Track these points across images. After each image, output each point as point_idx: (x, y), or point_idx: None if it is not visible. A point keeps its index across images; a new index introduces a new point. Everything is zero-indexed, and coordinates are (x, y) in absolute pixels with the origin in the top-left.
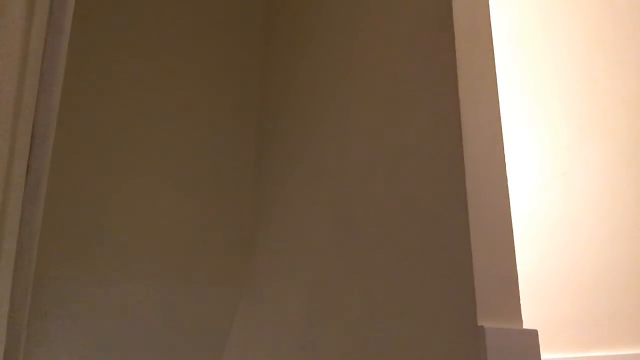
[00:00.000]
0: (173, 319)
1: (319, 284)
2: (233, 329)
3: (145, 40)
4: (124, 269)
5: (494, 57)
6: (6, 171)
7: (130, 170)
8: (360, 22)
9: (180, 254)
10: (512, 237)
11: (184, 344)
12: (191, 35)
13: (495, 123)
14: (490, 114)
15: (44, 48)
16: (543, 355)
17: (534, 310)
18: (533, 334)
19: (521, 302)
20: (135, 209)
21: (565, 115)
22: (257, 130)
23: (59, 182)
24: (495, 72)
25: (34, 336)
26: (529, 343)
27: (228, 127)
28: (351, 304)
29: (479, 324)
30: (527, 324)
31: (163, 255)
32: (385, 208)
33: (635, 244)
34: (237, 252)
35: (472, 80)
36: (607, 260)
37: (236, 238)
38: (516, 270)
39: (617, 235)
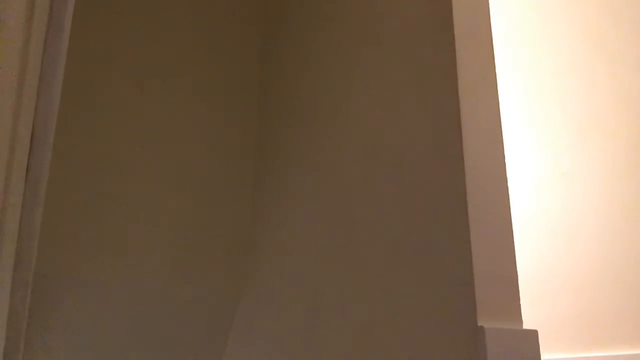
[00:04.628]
0: (173, 319)
1: (319, 283)
2: (233, 328)
3: (145, 40)
4: (123, 269)
5: (494, 57)
6: (6, 171)
7: (130, 170)
8: (360, 23)
9: (180, 254)
10: (512, 237)
11: (185, 344)
12: (191, 35)
13: (495, 123)
14: (490, 114)
15: (44, 48)
16: (543, 355)
17: (534, 310)
18: (533, 334)
19: (521, 302)
20: (135, 209)
21: (565, 116)
22: (257, 129)
23: (59, 182)
24: (495, 72)
25: (34, 336)
26: (529, 343)
27: (228, 127)
28: (351, 303)
29: (479, 324)
30: (527, 324)
31: (163, 255)
32: (385, 208)
33: (635, 244)
34: (237, 251)
35: (472, 80)
36: (607, 260)
37: (236, 238)
38: (516, 270)
39: (617, 235)
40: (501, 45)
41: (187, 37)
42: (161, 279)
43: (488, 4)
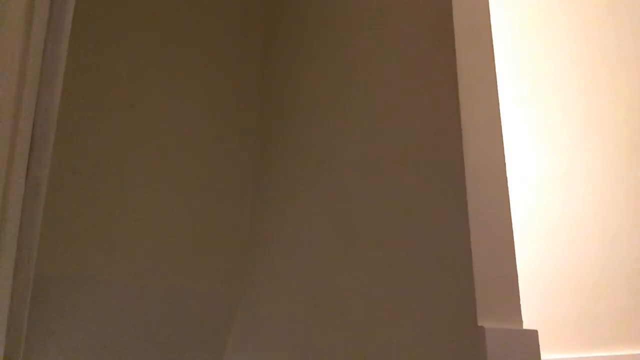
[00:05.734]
0: (173, 319)
1: (319, 284)
2: (233, 329)
3: (146, 41)
4: (124, 269)
5: (494, 57)
6: (6, 172)
7: (130, 171)
8: (360, 22)
9: (180, 254)
10: (512, 237)
11: (184, 344)
12: (192, 35)
13: (495, 123)
14: (490, 114)
15: (44, 48)
16: (543, 355)
17: (534, 310)
18: (533, 334)
19: (521, 302)
20: (135, 209)
21: (565, 115)
22: (257, 130)
23: (59, 182)
24: (495, 72)
25: (34, 336)
26: (529, 343)
27: (228, 127)
28: (351, 303)
29: (479, 324)
30: (527, 324)
31: (163, 255)
32: (385, 208)
33: (635, 244)
34: (237, 252)
35: (472, 80)
36: (607, 260)
37: (236, 238)
38: (516, 270)
39: (617, 235)
40: (501, 45)
41: (187, 37)
42: (161, 280)
43: (488, 4)
